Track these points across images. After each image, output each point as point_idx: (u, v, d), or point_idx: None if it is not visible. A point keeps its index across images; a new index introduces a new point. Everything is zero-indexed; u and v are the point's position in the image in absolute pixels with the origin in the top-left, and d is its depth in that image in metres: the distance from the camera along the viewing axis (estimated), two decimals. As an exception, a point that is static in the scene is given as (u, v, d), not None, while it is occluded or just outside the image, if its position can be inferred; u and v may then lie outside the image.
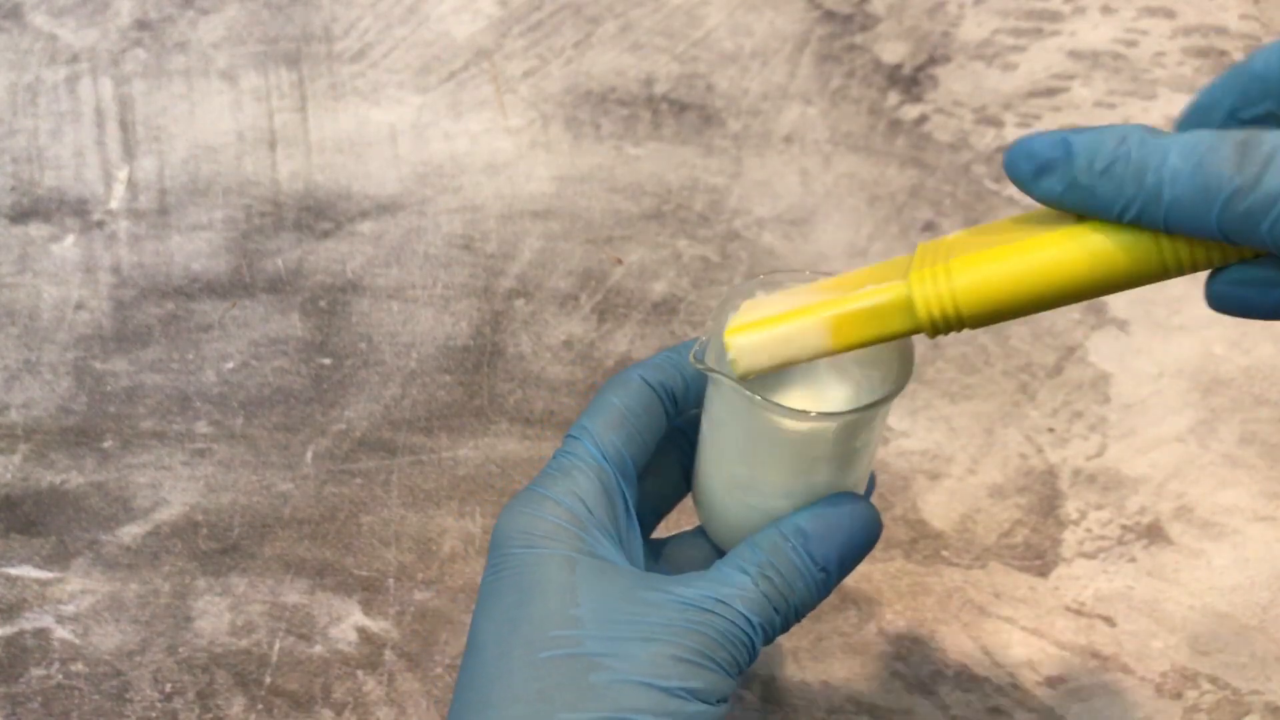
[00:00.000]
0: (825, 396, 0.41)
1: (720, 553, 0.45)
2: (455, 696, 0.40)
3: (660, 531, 0.48)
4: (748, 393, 0.39)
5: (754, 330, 0.39)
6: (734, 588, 0.39)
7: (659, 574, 0.40)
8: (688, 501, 0.47)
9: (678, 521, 0.51)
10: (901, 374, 0.40)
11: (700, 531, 0.47)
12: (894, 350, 0.40)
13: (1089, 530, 0.57)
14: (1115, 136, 0.34)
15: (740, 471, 0.41)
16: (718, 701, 0.38)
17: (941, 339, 0.62)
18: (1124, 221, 0.34)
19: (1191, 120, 0.35)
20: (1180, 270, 0.34)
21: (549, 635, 0.38)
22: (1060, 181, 0.34)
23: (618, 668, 0.37)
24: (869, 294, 0.37)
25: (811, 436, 0.40)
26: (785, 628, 0.40)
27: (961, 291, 0.36)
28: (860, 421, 0.40)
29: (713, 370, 0.40)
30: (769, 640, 0.40)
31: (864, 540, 0.41)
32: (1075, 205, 0.34)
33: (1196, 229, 0.33)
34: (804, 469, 0.40)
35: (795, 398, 0.41)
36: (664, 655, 0.37)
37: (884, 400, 0.39)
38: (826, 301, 0.38)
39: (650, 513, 0.47)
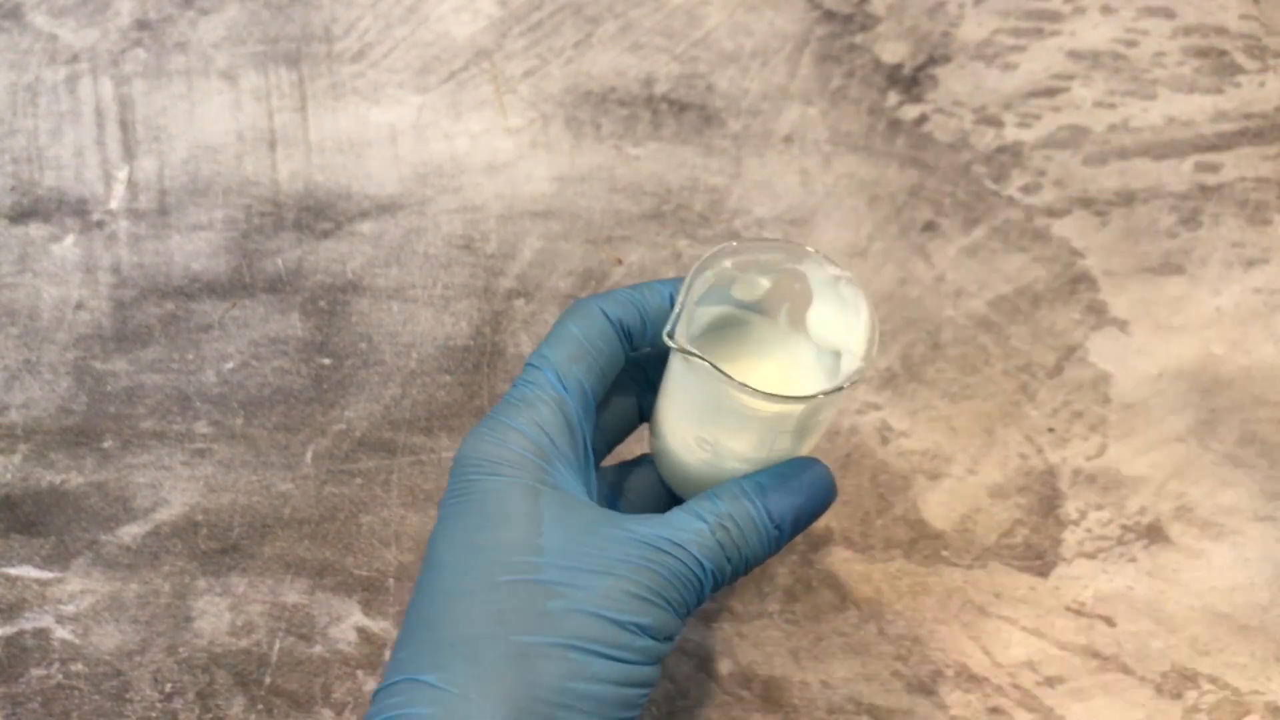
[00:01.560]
0: (793, 375, 0.44)
1: (668, 490, 0.46)
2: (409, 613, 0.40)
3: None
4: (724, 373, 0.40)
5: None
6: (692, 533, 0.40)
7: (617, 511, 0.41)
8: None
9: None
10: (868, 352, 0.42)
11: (647, 462, 0.47)
12: (860, 328, 0.42)
13: (1089, 530, 0.57)
14: None
15: (705, 436, 0.43)
16: (665, 639, 0.39)
17: (941, 339, 0.62)
18: None
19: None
20: None
21: (511, 560, 0.38)
22: None
23: (574, 597, 0.38)
24: None
25: (779, 415, 0.41)
26: (734, 577, 0.41)
27: None
28: (826, 401, 0.41)
29: (688, 351, 0.41)
30: (717, 587, 0.41)
31: (820, 503, 0.42)
32: None
33: None
34: (768, 440, 0.42)
35: (764, 373, 0.43)
36: (619, 589, 0.38)
37: (852, 381, 0.41)
38: None
39: (602, 444, 0.47)
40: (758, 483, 0.42)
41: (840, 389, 0.41)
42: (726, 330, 0.45)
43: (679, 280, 0.44)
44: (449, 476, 0.42)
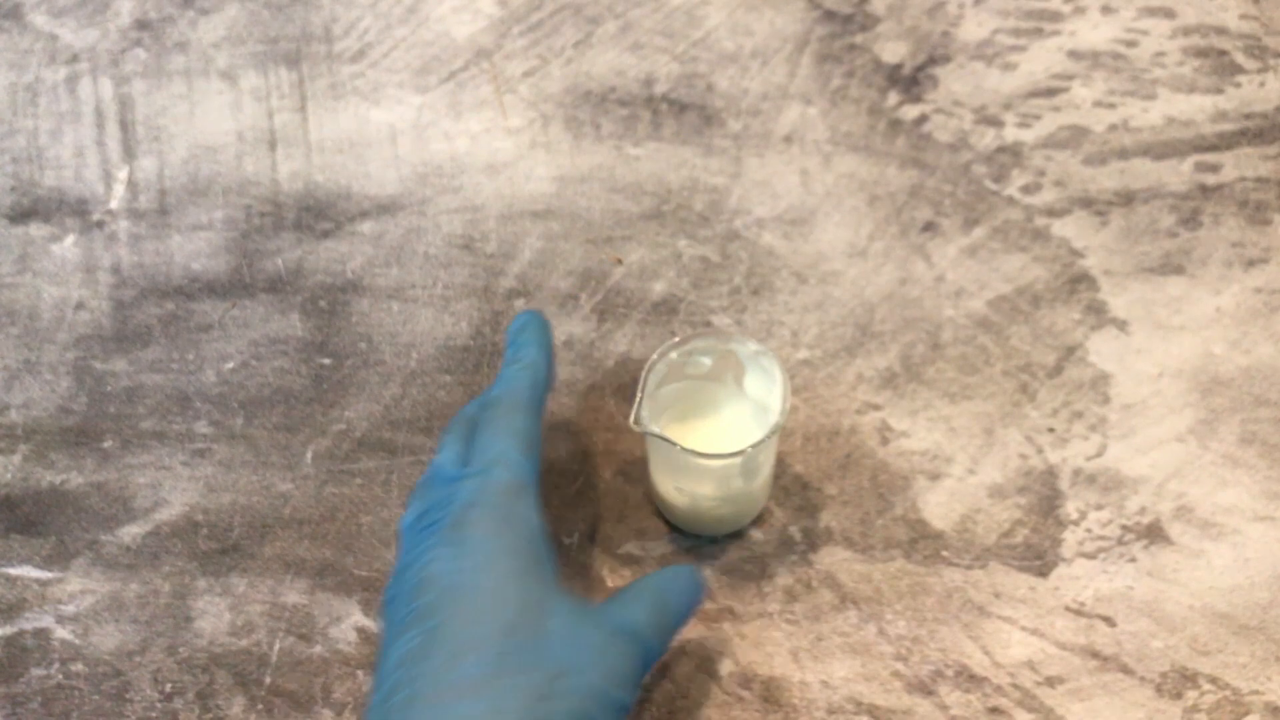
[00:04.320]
0: (739, 428, 0.56)
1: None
2: (423, 653, 0.45)
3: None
4: (679, 446, 0.53)
5: None
6: (637, 623, 0.49)
7: (585, 601, 0.49)
8: None
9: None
10: (783, 409, 0.54)
11: None
12: (777, 390, 0.54)
13: (1089, 530, 0.57)
14: None
15: (682, 484, 0.55)
16: (632, 700, 0.48)
17: (941, 339, 0.62)
18: None
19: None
20: None
21: (529, 643, 0.46)
22: None
23: (579, 673, 0.46)
24: None
25: (727, 465, 0.54)
26: (662, 651, 0.50)
27: None
28: (760, 448, 0.53)
29: (652, 433, 0.53)
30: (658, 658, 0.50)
31: (693, 604, 0.51)
32: None
33: None
34: (725, 482, 0.55)
35: (718, 428, 0.56)
36: (613, 670, 0.47)
37: (774, 431, 0.53)
38: None
39: None
40: (664, 595, 0.50)
41: (764, 441, 0.53)
42: (692, 395, 0.57)
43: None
44: (450, 544, 0.48)
